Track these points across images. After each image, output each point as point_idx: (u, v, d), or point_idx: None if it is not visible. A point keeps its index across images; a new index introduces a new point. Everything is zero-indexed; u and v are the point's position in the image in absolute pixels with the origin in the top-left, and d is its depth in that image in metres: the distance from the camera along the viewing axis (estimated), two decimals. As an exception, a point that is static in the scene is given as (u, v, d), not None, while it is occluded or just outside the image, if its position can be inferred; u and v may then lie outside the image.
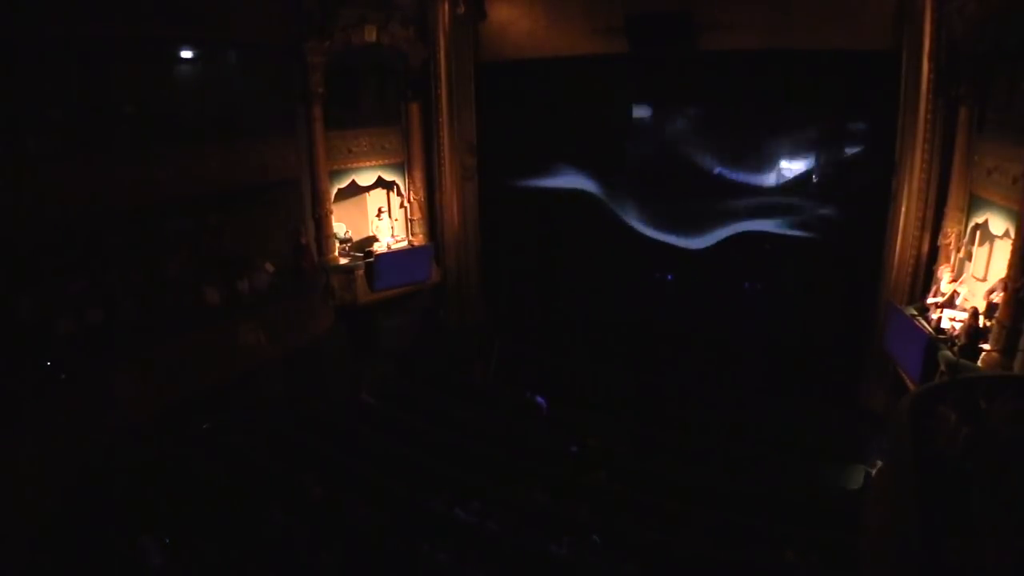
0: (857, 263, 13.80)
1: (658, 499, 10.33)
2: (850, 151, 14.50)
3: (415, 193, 16.28)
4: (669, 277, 16.87)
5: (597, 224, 16.60)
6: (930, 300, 10.99)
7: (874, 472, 10.66)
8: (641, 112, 16.54)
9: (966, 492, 5.16)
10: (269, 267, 13.06)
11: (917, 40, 11.62)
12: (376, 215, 15.77)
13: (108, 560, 8.12)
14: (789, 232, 14.92)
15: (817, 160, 14.83)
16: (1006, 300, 9.03)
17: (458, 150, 16.46)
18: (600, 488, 10.76)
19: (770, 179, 15.21)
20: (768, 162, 15.21)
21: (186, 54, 12.52)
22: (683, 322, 15.92)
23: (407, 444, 12.01)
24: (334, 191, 14.78)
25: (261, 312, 12.48)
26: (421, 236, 16.41)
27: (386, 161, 15.87)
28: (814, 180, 14.90)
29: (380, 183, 16.00)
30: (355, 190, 15.63)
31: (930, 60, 11.45)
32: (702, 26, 13.78)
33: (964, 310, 10.15)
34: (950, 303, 10.55)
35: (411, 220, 16.37)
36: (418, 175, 16.26)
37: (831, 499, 11.13)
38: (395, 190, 16.34)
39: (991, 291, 9.77)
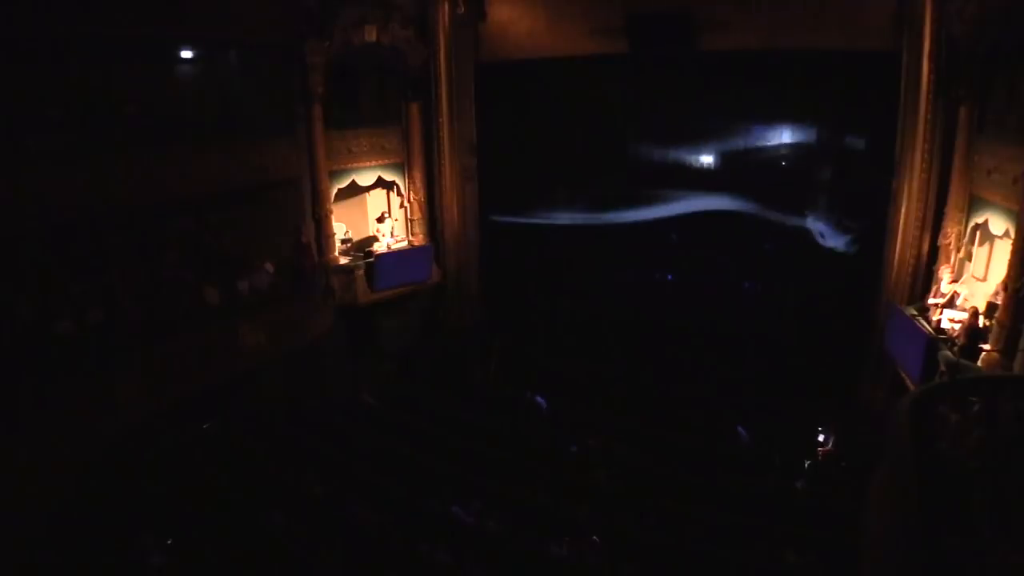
0: (857, 263, 13.81)
1: (658, 499, 10.32)
2: (850, 151, 14.51)
3: (415, 193, 16.29)
4: (669, 277, 16.89)
5: (596, 224, 16.61)
6: (930, 300, 10.99)
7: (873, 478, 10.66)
8: (641, 112, 16.55)
9: (967, 492, 5.16)
10: (269, 267, 13.05)
11: (917, 41, 11.63)
12: (377, 219, 15.76)
13: (108, 560, 8.11)
14: (788, 232, 14.96)
15: (817, 160, 14.85)
16: (1006, 300, 9.03)
17: (458, 150, 16.47)
18: (600, 488, 10.75)
19: (770, 178, 15.24)
20: (768, 162, 15.25)
21: (186, 54, 12.51)
22: (683, 322, 15.93)
23: (407, 444, 12.00)
24: (334, 191, 14.78)
25: (261, 312, 12.47)
26: (421, 236, 16.42)
27: (386, 161, 15.87)
28: (814, 180, 14.92)
29: (380, 183, 16.01)
30: (355, 190, 15.63)
31: (930, 61, 11.47)
32: (702, 26, 13.79)
33: (964, 310, 10.15)
34: (950, 303, 10.56)
35: (411, 220, 16.37)
36: (418, 175, 16.26)
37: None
38: (395, 190, 16.34)
39: (995, 294, 9.76)
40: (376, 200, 16.30)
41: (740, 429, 12.54)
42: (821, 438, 11.29)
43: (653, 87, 15.67)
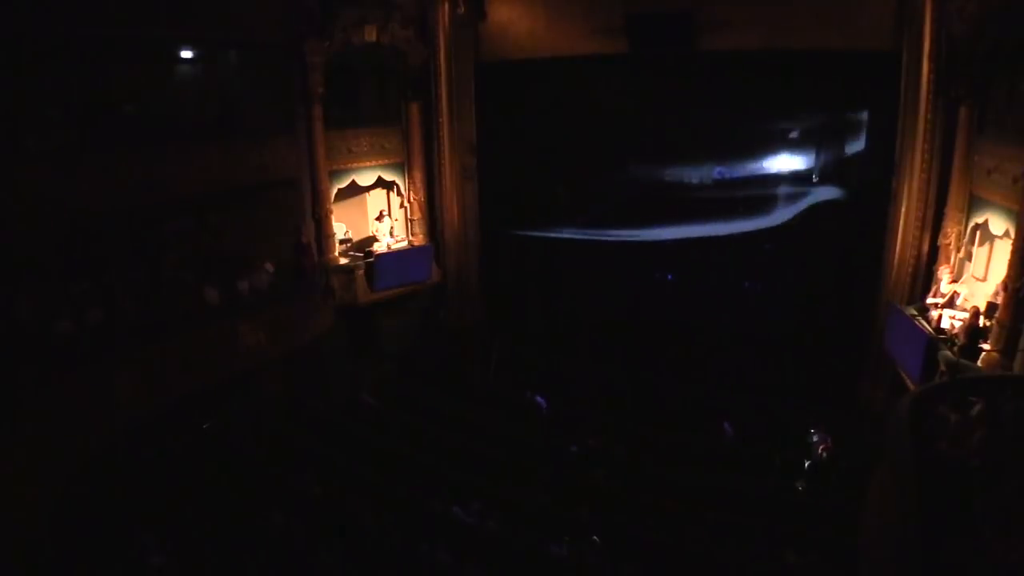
0: (857, 263, 13.81)
1: (658, 499, 10.33)
2: (850, 151, 14.51)
3: (415, 193, 16.28)
4: (669, 277, 16.88)
5: (595, 223, 16.61)
6: (930, 300, 10.99)
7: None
8: (641, 112, 16.53)
9: (967, 492, 5.16)
10: (269, 267, 13.05)
11: (917, 40, 11.62)
12: (376, 218, 15.76)
13: (108, 559, 8.11)
14: (789, 232, 14.96)
15: (817, 160, 14.85)
16: (1006, 300, 9.03)
17: (458, 150, 16.46)
18: (600, 488, 10.76)
19: (770, 179, 15.24)
20: (769, 162, 15.25)
21: (186, 54, 12.52)
22: (683, 322, 15.93)
23: (407, 444, 12.01)
24: (334, 191, 14.78)
25: (261, 312, 12.47)
26: (421, 236, 16.42)
27: (386, 161, 15.87)
28: (814, 180, 14.92)
29: (380, 183, 16.00)
30: (355, 190, 15.63)
31: (930, 60, 11.46)
32: (702, 26, 13.78)
33: (964, 310, 10.15)
34: (950, 303, 10.56)
35: (411, 220, 16.37)
36: (418, 175, 16.26)
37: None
38: (395, 190, 16.34)
39: (995, 294, 9.76)
40: (376, 200, 16.29)
41: (726, 425, 12.58)
42: (815, 439, 11.29)
43: (653, 86, 15.63)
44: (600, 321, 16.66)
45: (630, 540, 9.16)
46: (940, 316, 10.37)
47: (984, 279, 10.63)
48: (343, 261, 14.83)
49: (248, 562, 8.31)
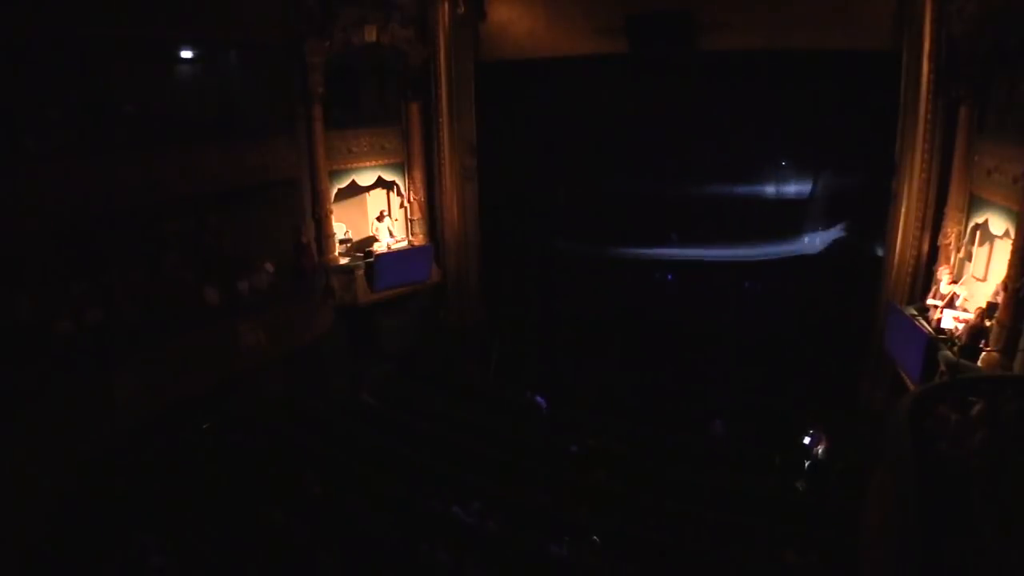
0: (857, 263, 13.81)
1: (658, 499, 10.32)
2: (850, 151, 14.51)
3: (415, 193, 16.29)
4: (669, 277, 16.90)
5: (596, 224, 16.62)
6: (930, 301, 10.99)
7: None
8: (640, 112, 16.52)
9: (967, 492, 5.16)
10: (269, 267, 13.05)
11: (917, 40, 11.64)
12: (376, 218, 15.77)
13: (108, 560, 8.11)
14: (788, 236, 14.99)
15: (817, 160, 14.86)
16: (1006, 300, 9.03)
17: (458, 150, 16.47)
18: (600, 488, 10.76)
19: (770, 179, 15.26)
20: (768, 162, 15.26)
21: (186, 54, 12.53)
22: (683, 322, 15.93)
23: (407, 444, 12.00)
24: (334, 191, 14.79)
25: (261, 312, 12.47)
26: (421, 236, 16.42)
27: (386, 161, 15.88)
28: (814, 180, 14.94)
29: (380, 183, 16.01)
30: (355, 190, 15.63)
31: (930, 60, 11.47)
32: (702, 26, 13.80)
33: (965, 310, 10.14)
34: (950, 304, 10.55)
35: (411, 220, 16.37)
36: (418, 175, 16.26)
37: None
38: (395, 190, 16.34)
39: (995, 294, 9.75)
40: (376, 200, 16.30)
41: (717, 423, 12.58)
42: (807, 440, 11.29)
43: (653, 86, 15.64)
44: (600, 321, 16.66)
45: (630, 540, 9.16)
46: (940, 316, 10.37)
47: (984, 279, 10.64)
48: (343, 261, 14.84)
49: (248, 562, 8.31)
